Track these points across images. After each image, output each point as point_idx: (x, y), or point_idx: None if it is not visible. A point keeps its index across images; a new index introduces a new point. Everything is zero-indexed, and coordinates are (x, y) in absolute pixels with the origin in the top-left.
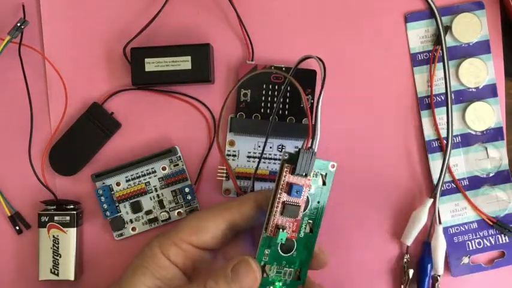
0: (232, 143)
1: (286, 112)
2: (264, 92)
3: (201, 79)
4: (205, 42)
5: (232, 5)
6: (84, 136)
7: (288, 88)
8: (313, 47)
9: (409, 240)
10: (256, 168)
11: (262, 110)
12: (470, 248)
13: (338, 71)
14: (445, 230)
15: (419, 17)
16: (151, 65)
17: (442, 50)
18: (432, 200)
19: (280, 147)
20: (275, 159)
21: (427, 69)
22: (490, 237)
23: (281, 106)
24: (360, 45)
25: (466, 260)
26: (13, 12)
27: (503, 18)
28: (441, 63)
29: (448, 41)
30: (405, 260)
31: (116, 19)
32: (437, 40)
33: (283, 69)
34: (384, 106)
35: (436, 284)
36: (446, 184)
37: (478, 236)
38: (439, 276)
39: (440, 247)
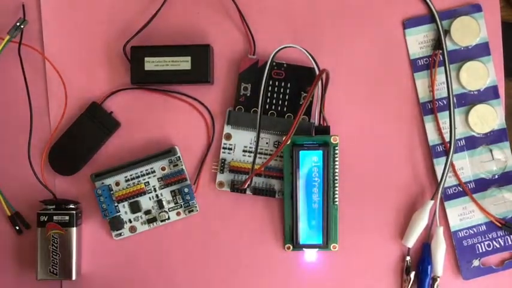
0: (228, 137)
1: (285, 109)
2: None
3: (200, 80)
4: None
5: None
6: (84, 136)
7: (288, 85)
8: (314, 54)
9: (410, 242)
10: (253, 164)
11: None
12: (480, 251)
13: (338, 79)
14: (454, 233)
15: (418, 23)
16: (151, 64)
17: (443, 54)
18: (433, 201)
19: (277, 143)
20: (271, 155)
21: (428, 74)
22: (499, 239)
23: (280, 103)
24: (360, 52)
25: (476, 262)
26: (13, 12)
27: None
28: (441, 68)
29: (447, 45)
30: (406, 261)
31: (116, 18)
32: (437, 45)
33: (285, 65)
34: (387, 112)
35: (435, 284)
36: (453, 188)
37: (487, 238)
38: (439, 277)
39: (440, 249)
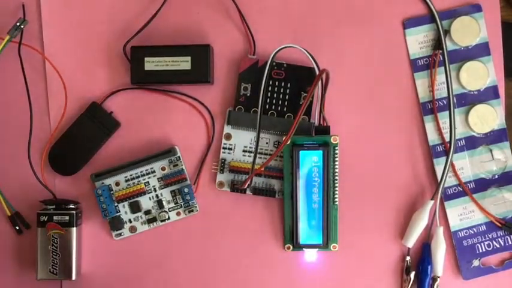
0: (228, 137)
1: (285, 109)
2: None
3: (200, 80)
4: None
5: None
6: (84, 136)
7: (288, 85)
8: (314, 54)
9: (410, 242)
10: (253, 164)
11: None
12: (480, 251)
13: (338, 79)
14: (454, 233)
15: (418, 23)
16: (151, 64)
17: (443, 54)
18: (433, 201)
19: (277, 143)
20: (271, 155)
21: (428, 74)
22: (499, 239)
23: (280, 103)
24: (360, 52)
25: (476, 262)
26: (13, 12)
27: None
28: (441, 68)
29: (447, 45)
30: (406, 261)
31: (116, 18)
32: (437, 45)
33: (285, 65)
34: (387, 112)
35: (435, 284)
36: (453, 188)
37: (487, 238)
38: (439, 277)
39: (440, 249)
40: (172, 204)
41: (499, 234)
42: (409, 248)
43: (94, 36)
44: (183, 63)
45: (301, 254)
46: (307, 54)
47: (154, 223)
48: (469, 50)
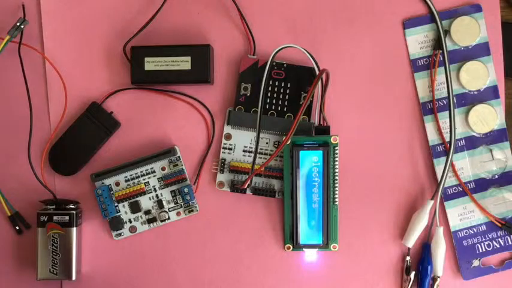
0: (228, 137)
1: (285, 109)
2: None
3: (200, 80)
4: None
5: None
6: (84, 136)
7: (288, 85)
8: (314, 54)
9: (410, 242)
10: (253, 164)
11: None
12: (480, 251)
13: (339, 79)
14: (454, 233)
15: (418, 23)
16: (151, 64)
17: (443, 54)
18: (433, 201)
19: (277, 143)
20: (271, 155)
21: (428, 74)
22: (499, 239)
23: (280, 103)
24: (360, 52)
25: (476, 262)
26: (13, 12)
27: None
28: (441, 68)
29: (447, 45)
30: (406, 261)
31: (116, 18)
32: (437, 45)
33: (285, 65)
34: (387, 112)
35: (435, 284)
36: (453, 188)
37: (487, 238)
38: (439, 277)
39: (440, 249)
40: (172, 204)
41: (499, 234)
42: (409, 248)
43: (94, 36)
44: (183, 63)
45: (301, 254)
46: (307, 54)
47: (154, 223)
48: (469, 50)
